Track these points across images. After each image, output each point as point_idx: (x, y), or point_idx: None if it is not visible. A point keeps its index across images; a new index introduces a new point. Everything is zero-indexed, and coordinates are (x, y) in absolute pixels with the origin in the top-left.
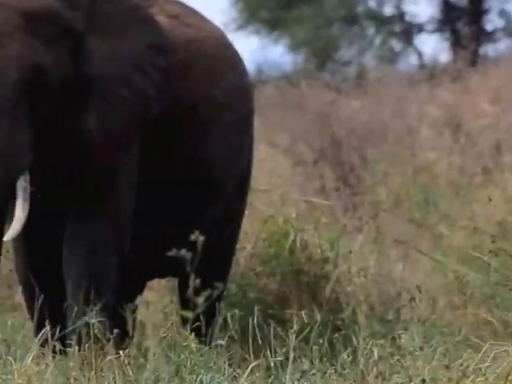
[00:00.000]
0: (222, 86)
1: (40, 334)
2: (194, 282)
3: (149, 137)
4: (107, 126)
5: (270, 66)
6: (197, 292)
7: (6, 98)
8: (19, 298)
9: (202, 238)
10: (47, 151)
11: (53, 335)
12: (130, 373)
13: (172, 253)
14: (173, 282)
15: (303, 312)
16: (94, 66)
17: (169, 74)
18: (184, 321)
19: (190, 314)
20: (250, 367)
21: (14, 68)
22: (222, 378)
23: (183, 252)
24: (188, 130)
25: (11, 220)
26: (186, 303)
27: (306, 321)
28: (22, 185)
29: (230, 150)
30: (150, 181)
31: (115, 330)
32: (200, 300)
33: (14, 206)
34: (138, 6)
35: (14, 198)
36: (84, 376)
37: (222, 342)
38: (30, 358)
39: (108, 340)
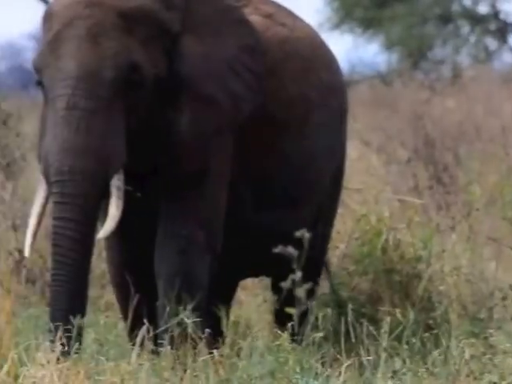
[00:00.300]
0: (316, 85)
1: (140, 334)
2: (294, 279)
3: (243, 136)
4: (199, 126)
5: (363, 65)
6: (290, 291)
7: (101, 97)
8: (111, 297)
9: (307, 235)
10: (139, 151)
11: (146, 335)
12: (223, 372)
13: (278, 250)
14: (266, 281)
15: (396, 311)
16: (188, 66)
17: (262, 75)
18: (277, 320)
19: (293, 311)
20: (342, 367)
21: (109, 67)
22: (314, 377)
23: (290, 249)
24: (282, 130)
25: (105, 218)
26: (279, 302)
27: (398, 320)
28: (116, 183)
29: (324, 149)
30: (244, 181)
31: (207, 330)
32: (301, 293)
33: (107, 204)
34: (233, 7)
35: (108, 197)
36: (177, 375)
37: (320, 334)
38: (126, 358)
39: (201, 339)
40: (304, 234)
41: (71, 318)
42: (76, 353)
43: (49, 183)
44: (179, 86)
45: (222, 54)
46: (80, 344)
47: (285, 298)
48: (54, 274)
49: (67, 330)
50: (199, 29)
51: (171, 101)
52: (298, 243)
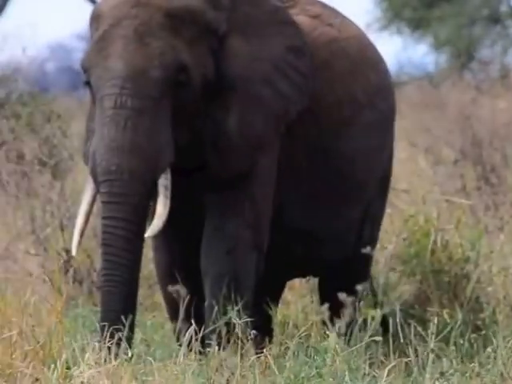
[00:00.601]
0: (364, 86)
1: (187, 334)
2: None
3: (290, 137)
4: (247, 127)
5: (412, 65)
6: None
7: (149, 96)
8: (159, 297)
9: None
10: (187, 151)
11: (193, 336)
12: (271, 373)
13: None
14: (313, 281)
15: (444, 311)
16: (236, 67)
17: (309, 77)
18: (324, 320)
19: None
20: (388, 367)
21: (157, 67)
22: (362, 378)
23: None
24: (329, 130)
25: (152, 218)
26: (325, 302)
27: (446, 321)
28: (164, 182)
29: (371, 149)
30: (292, 181)
31: (253, 332)
32: (343, 297)
33: (154, 204)
34: (279, 8)
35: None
36: (223, 376)
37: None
38: (173, 359)
39: (248, 339)
40: (368, 251)
41: (123, 318)
42: (124, 353)
43: (96, 183)
44: (227, 87)
45: (269, 54)
46: (130, 345)
47: (332, 299)
48: (107, 274)
49: (118, 331)
50: (246, 29)
51: (219, 101)
52: (345, 244)
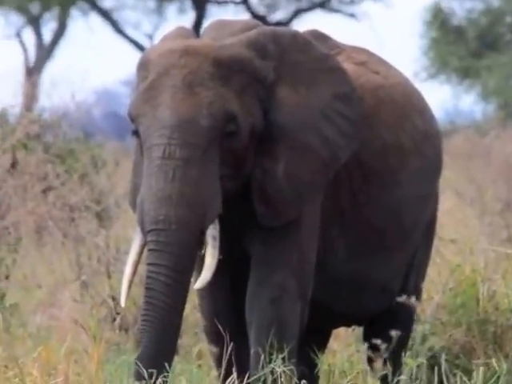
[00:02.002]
0: (410, 132)
1: (227, 383)
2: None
3: (334, 184)
4: (295, 175)
5: (460, 115)
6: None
7: (197, 145)
8: (204, 345)
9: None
10: (234, 200)
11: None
12: None
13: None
14: (359, 330)
15: (492, 361)
16: (283, 115)
17: (358, 122)
18: (371, 369)
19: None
20: None
21: (205, 116)
22: None
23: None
24: (376, 177)
25: (200, 268)
26: (371, 352)
27: (492, 371)
28: (212, 233)
29: (418, 196)
30: (335, 228)
31: (297, 379)
32: (383, 346)
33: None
34: (327, 56)
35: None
36: None
37: None
38: None
39: None
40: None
41: (156, 359)
42: None
43: (144, 232)
44: (274, 136)
45: (317, 102)
46: None
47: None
48: (144, 314)
49: (152, 373)
50: (294, 77)
51: (267, 150)
52: (389, 292)
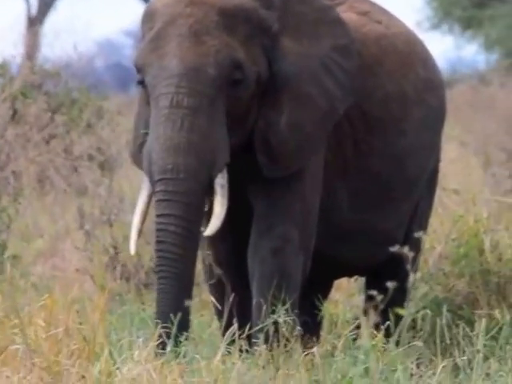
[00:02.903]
0: (413, 82)
1: (227, 333)
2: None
3: (339, 135)
4: (298, 126)
5: (463, 64)
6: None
7: (204, 94)
8: (206, 295)
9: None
10: (238, 150)
11: (240, 334)
12: (317, 372)
13: (394, 249)
14: (361, 280)
15: (495, 312)
16: (287, 65)
17: (355, 75)
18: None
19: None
20: (437, 368)
21: (212, 64)
22: (409, 378)
23: (405, 249)
24: (379, 127)
25: (209, 217)
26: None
27: (494, 321)
28: (220, 182)
29: (422, 146)
30: (338, 179)
31: (300, 329)
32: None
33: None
34: (328, 8)
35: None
36: (269, 374)
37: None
38: (217, 357)
39: (295, 339)
40: (420, 235)
41: (175, 317)
42: (172, 351)
43: (152, 182)
44: (278, 86)
45: (318, 53)
46: (178, 342)
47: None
48: (159, 270)
49: (170, 329)
50: (297, 28)
51: (271, 101)
52: (393, 242)
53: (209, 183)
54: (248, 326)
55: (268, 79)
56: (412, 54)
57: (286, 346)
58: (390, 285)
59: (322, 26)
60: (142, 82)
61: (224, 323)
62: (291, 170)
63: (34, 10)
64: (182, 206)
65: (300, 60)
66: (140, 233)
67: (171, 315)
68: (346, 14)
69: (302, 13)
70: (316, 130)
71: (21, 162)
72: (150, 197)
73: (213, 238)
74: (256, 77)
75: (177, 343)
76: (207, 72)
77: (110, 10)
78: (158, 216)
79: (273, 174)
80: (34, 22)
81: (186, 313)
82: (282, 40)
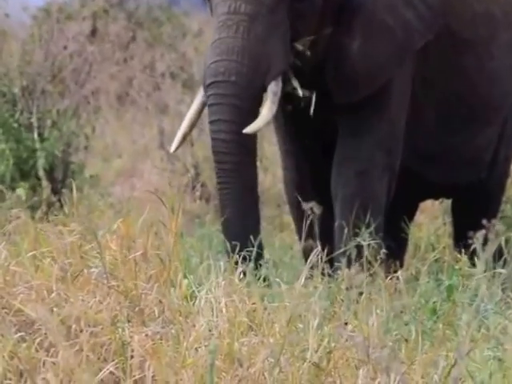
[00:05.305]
0: (501, 3)
1: (310, 256)
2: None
3: (426, 57)
4: (370, 54)
5: None
6: (470, 217)
7: (263, 2)
8: (288, 217)
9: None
10: (310, 74)
11: (322, 257)
12: (401, 296)
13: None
14: (446, 203)
15: None
16: None
17: (437, 10)
18: (457, 243)
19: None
20: None
21: None
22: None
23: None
24: (467, 49)
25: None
26: (459, 225)
27: None
28: (273, 89)
29: (509, 70)
30: (425, 102)
31: (383, 251)
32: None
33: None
34: None
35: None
36: (350, 298)
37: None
38: (299, 281)
39: (378, 262)
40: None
41: (245, 235)
42: (251, 273)
43: (205, 86)
44: (352, 13)
45: None
46: (258, 264)
47: (466, 220)
48: (220, 182)
49: (244, 248)
50: None
51: (344, 27)
52: (479, 166)
53: (262, 89)
54: (329, 250)
55: (341, 3)
56: None
57: (369, 269)
58: (485, 222)
59: None
60: None
61: (303, 245)
62: (359, 97)
63: None
64: (232, 110)
65: None
66: (185, 137)
67: (239, 233)
68: None
69: None
70: (389, 59)
71: (101, 80)
72: (202, 105)
73: (295, 157)
74: None
75: (256, 264)
76: None
77: None
78: (209, 123)
79: (342, 100)
80: None
81: (254, 227)
82: None
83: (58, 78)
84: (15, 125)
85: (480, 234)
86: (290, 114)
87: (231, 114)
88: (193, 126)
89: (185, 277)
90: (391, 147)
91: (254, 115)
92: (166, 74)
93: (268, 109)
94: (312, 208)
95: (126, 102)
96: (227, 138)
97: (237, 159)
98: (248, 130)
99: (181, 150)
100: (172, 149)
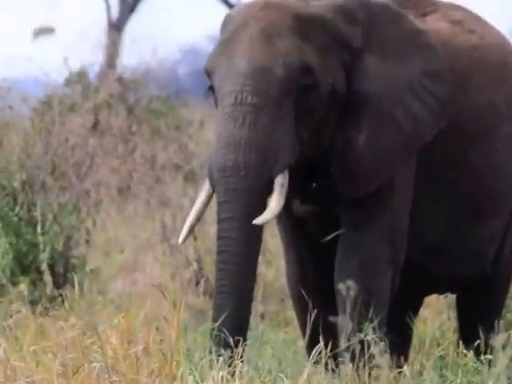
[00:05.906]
0: (505, 96)
1: (313, 352)
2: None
3: (428, 149)
4: (377, 146)
5: None
6: (474, 312)
7: (270, 94)
8: (291, 312)
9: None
10: (316, 165)
11: (325, 353)
12: None
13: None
14: (451, 297)
15: None
16: (370, 84)
17: (446, 102)
18: (462, 339)
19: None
20: None
21: (280, 65)
22: None
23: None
24: (469, 142)
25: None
26: (464, 320)
27: None
28: (281, 181)
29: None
30: (430, 195)
31: (386, 346)
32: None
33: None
34: (419, 31)
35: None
36: None
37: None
38: (303, 376)
39: (382, 357)
40: None
41: (235, 333)
42: (255, 369)
43: (212, 181)
44: (359, 104)
45: (406, 76)
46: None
47: (470, 314)
48: (220, 284)
49: (229, 347)
50: (383, 48)
51: (350, 118)
52: (484, 259)
53: (270, 182)
54: (333, 344)
55: (347, 96)
56: (505, 66)
57: (373, 365)
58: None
59: (411, 49)
60: (211, 88)
61: (307, 341)
62: (366, 191)
63: (114, 17)
64: (243, 206)
65: (384, 80)
66: (192, 230)
67: (229, 332)
68: (439, 23)
69: (391, 33)
70: (397, 151)
71: (102, 173)
72: (208, 197)
73: (298, 251)
74: (330, 88)
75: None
76: (274, 72)
77: (193, 15)
78: (218, 221)
79: (347, 193)
80: (117, 26)
81: (247, 323)
82: (364, 57)
83: (59, 172)
84: (15, 218)
85: (500, 338)
86: (290, 207)
87: (242, 210)
88: (200, 217)
89: (190, 373)
90: (395, 241)
91: (263, 208)
92: (168, 166)
93: (276, 201)
94: (336, 321)
95: (128, 195)
96: (237, 237)
97: (242, 261)
98: (256, 222)
99: (183, 244)
100: (180, 240)
